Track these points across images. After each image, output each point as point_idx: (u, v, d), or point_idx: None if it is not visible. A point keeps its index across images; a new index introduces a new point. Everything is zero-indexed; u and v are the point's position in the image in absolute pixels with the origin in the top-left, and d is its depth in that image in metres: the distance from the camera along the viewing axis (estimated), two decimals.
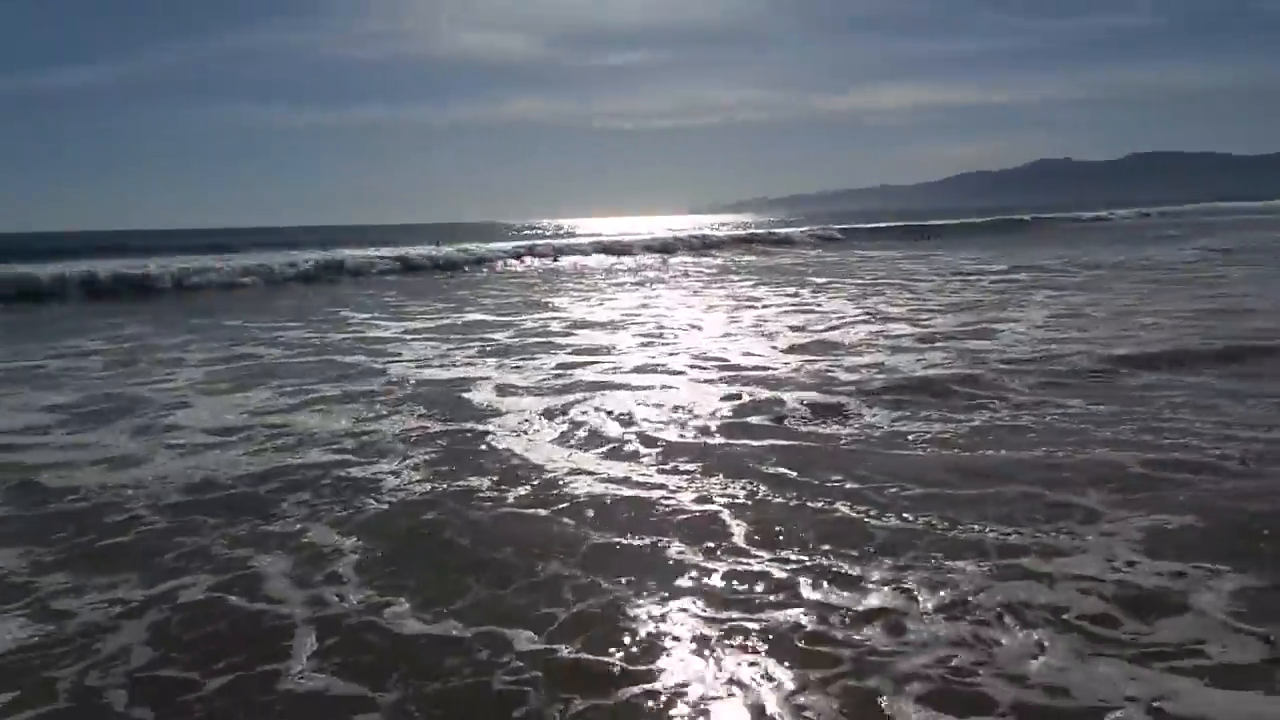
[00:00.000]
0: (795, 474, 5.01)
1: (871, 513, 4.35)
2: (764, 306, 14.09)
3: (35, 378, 9.11)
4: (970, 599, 3.41)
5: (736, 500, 4.59)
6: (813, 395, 7.05)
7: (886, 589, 3.51)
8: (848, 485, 4.77)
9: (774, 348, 9.60)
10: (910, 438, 5.75)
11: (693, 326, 11.99)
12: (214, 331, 12.78)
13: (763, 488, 4.79)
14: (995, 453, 5.36)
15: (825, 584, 3.58)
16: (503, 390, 7.70)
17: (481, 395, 7.55)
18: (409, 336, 11.71)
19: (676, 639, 3.16)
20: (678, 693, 2.83)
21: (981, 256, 25.28)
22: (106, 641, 3.24)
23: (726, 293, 17.28)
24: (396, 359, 9.75)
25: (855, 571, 3.67)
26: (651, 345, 10.25)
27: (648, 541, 4.07)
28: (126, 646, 3.19)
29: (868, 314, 12.41)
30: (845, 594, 3.48)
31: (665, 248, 34.51)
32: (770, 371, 8.18)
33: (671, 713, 2.73)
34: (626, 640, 3.14)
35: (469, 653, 3.06)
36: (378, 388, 8.02)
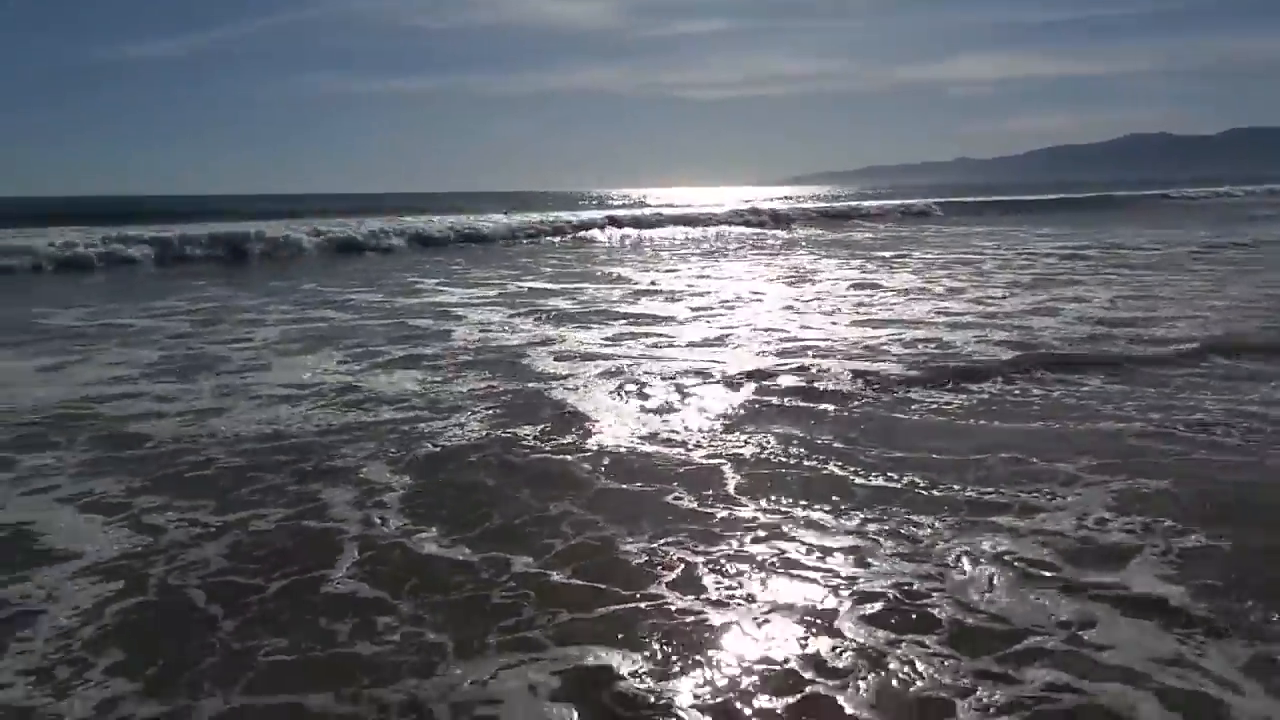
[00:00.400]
0: (804, 435, 5.39)
1: (860, 472, 4.71)
2: (830, 280, 14.10)
3: (124, 335, 9.70)
4: (935, 543, 3.79)
5: (742, 456, 5.01)
6: (852, 365, 7.31)
7: (859, 533, 3.92)
8: (838, 445, 5.15)
9: (832, 322, 9.70)
10: (918, 408, 6.01)
11: (754, 297, 12.11)
12: (289, 294, 13.37)
13: (769, 446, 5.18)
14: (991, 424, 5.59)
15: (804, 527, 3.99)
16: (560, 356, 7.98)
17: (540, 358, 7.93)
18: (476, 302, 12.10)
19: (662, 568, 3.62)
20: (656, 609, 3.28)
21: (1060, 232, 24.69)
22: (189, 552, 3.88)
23: (792, 264, 17.32)
24: (461, 321, 10.12)
25: (833, 519, 4.08)
26: (712, 315, 10.40)
27: (653, 488, 4.54)
28: (205, 557, 3.84)
29: (929, 289, 12.36)
30: (821, 535, 3.90)
31: (741, 219, 34.06)
32: (819, 343, 8.31)
33: (648, 623, 3.17)
34: (614, 568, 3.62)
35: (475, 572, 3.61)
36: (441, 350, 8.37)
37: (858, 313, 10.43)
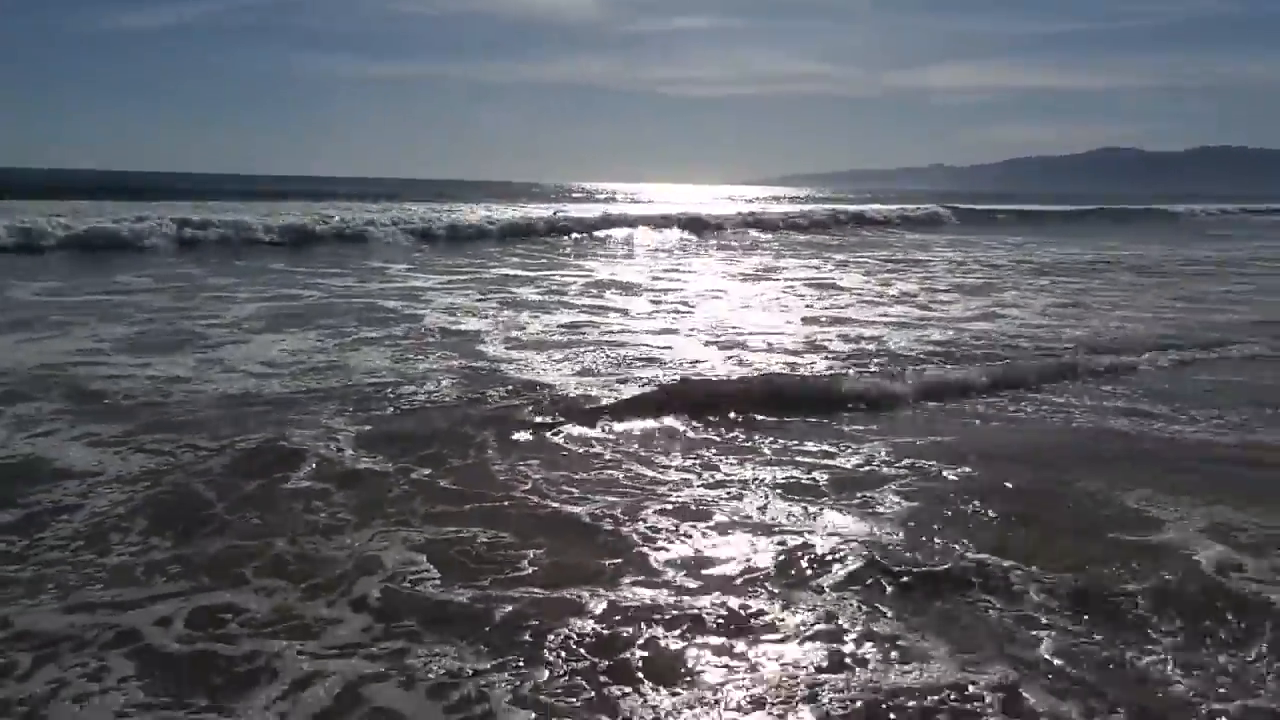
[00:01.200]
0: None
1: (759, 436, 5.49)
2: (795, 281, 14.61)
3: (101, 309, 9.95)
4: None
5: (648, 421, 5.80)
6: (779, 357, 7.90)
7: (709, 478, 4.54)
8: (736, 416, 5.88)
9: (786, 320, 10.14)
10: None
11: (714, 296, 12.56)
12: (260, 276, 13.62)
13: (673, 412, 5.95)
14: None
15: (654, 462, 4.95)
16: (512, 341, 8.57)
17: (497, 340, 8.51)
18: (441, 288, 12.46)
19: (522, 479, 4.67)
20: (516, 504, 4.35)
21: (1015, 241, 25.40)
22: (191, 465, 4.82)
23: (760, 265, 17.81)
24: (429, 305, 10.67)
25: (704, 474, 4.81)
26: (668, 310, 10.85)
27: (575, 433, 5.51)
28: (204, 468, 4.77)
29: (884, 293, 12.88)
30: (666, 474, 4.80)
31: (715, 223, 30.92)
32: (763, 337, 8.83)
33: (510, 513, 4.06)
34: (487, 478, 4.68)
35: (389, 478, 4.67)
36: (406, 330, 8.89)
37: (813, 313, 10.86)
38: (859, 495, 4.45)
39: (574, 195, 67.72)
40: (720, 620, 3.18)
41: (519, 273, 15.26)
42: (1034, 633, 3.12)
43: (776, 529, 4.02)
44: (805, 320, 10.09)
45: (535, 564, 3.65)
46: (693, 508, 4.27)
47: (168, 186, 45.51)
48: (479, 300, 11.43)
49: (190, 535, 3.92)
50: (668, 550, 3.79)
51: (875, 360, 7.73)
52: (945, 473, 4.77)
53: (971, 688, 2.75)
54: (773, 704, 2.69)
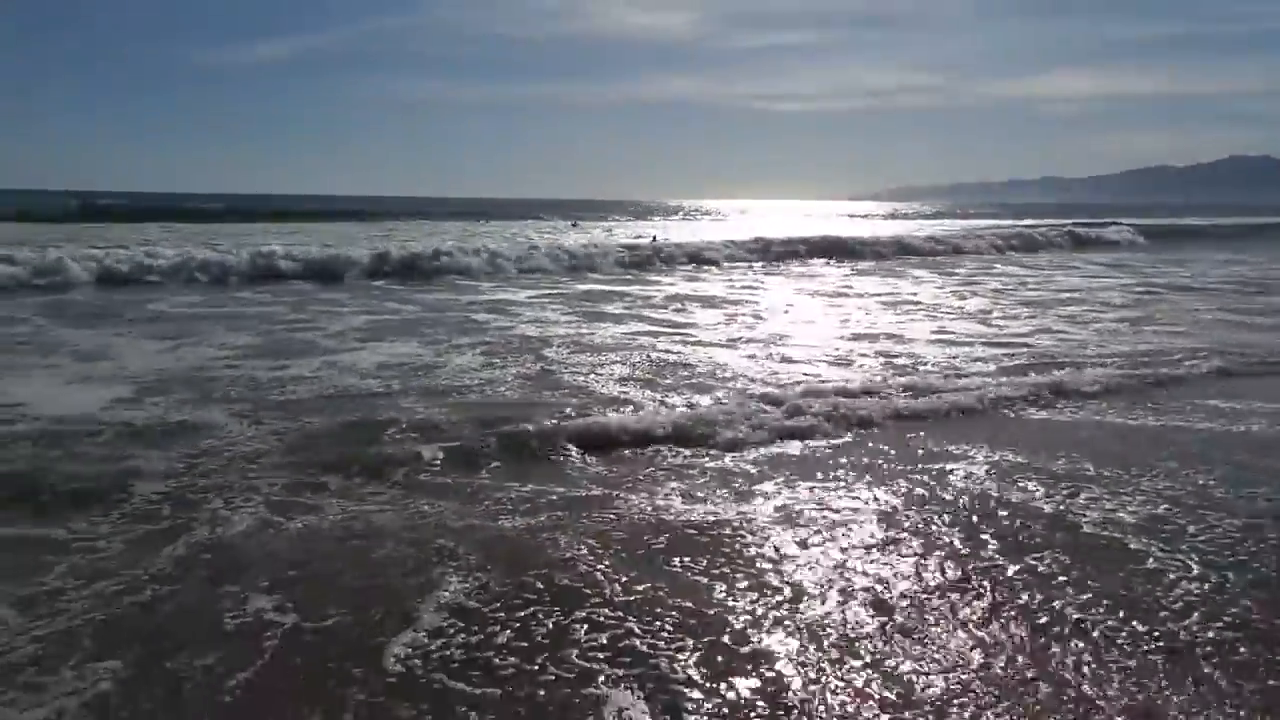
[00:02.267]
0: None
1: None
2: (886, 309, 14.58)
3: (225, 320, 11.34)
4: None
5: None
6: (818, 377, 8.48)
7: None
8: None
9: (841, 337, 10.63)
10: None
11: (786, 313, 13.11)
12: (363, 294, 14.97)
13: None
14: None
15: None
16: (580, 344, 9.65)
17: (561, 344, 9.66)
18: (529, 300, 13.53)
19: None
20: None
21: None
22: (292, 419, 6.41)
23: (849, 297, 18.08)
24: (518, 318, 11.82)
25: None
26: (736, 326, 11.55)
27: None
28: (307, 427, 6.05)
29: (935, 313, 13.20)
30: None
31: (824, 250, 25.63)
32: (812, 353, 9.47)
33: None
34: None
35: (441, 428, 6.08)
36: (490, 339, 9.99)
37: (872, 331, 11.40)
38: None
39: (687, 213, 68.14)
40: None
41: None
42: None
43: None
44: None
45: None
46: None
47: (295, 209, 48.54)
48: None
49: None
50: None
51: None
52: None
53: None
54: None
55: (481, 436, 5.78)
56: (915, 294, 15.39)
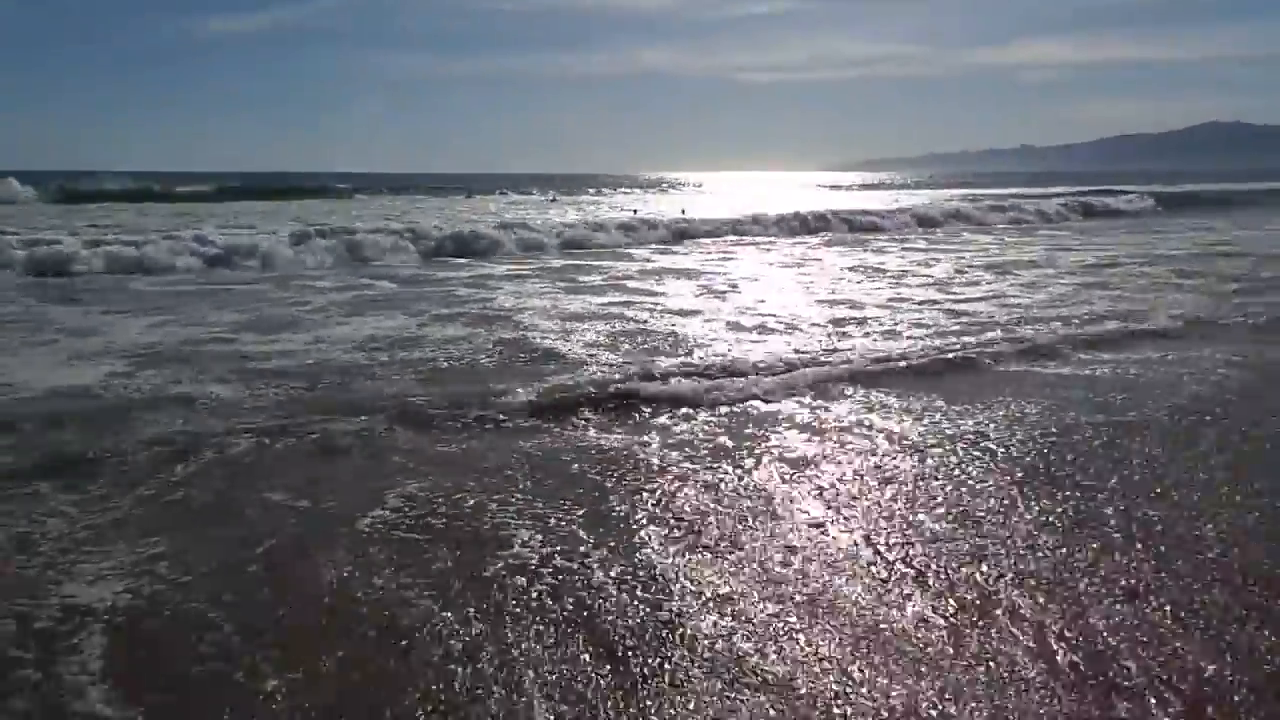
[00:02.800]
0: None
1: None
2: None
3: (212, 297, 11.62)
4: None
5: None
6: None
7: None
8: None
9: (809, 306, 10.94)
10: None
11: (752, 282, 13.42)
12: (345, 268, 15.21)
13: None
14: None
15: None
16: (553, 312, 10.16)
17: (536, 313, 10.14)
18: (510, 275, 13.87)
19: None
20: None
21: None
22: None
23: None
24: (498, 291, 12.23)
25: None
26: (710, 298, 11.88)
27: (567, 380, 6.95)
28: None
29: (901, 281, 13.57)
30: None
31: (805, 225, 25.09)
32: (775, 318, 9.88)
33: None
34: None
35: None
36: (473, 310, 10.37)
37: (846, 308, 11.76)
38: None
39: (666, 186, 67.96)
40: None
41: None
42: None
43: None
44: None
45: None
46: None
47: (295, 186, 48.17)
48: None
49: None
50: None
51: None
52: None
53: None
54: None
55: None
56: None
